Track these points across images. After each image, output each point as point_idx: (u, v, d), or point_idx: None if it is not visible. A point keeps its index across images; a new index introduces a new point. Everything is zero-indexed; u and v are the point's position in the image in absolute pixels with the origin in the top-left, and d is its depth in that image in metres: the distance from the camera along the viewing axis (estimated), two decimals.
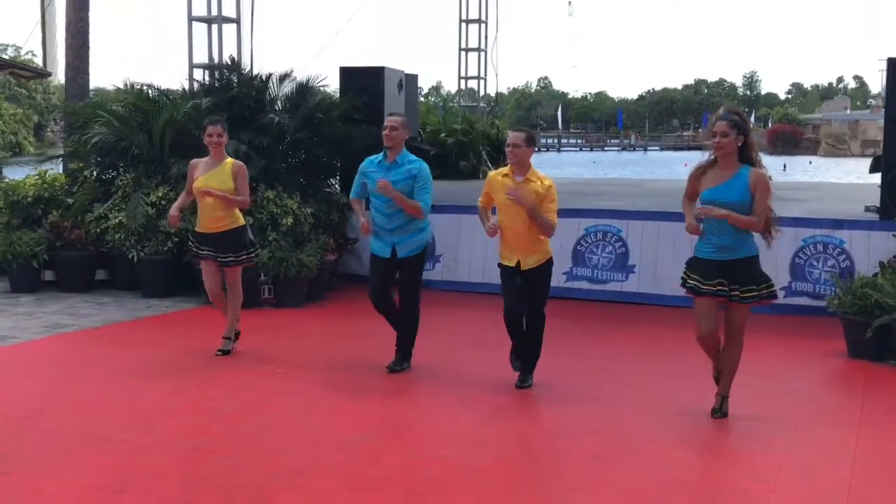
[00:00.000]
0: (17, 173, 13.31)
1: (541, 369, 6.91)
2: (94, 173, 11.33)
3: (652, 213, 10.68)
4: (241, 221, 7.70)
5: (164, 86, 11.60)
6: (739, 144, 5.78)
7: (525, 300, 6.63)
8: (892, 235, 9.13)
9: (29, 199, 11.23)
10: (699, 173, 5.99)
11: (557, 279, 10.47)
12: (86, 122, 11.26)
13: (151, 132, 10.89)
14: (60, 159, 12.24)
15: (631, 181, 19.51)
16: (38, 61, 28.86)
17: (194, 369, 7.31)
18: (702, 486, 5.10)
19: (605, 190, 14.96)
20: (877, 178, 11.97)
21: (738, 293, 5.81)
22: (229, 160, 7.55)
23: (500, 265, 6.73)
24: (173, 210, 7.67)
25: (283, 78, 11.44)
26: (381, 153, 7.11)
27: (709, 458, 5.59)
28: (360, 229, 7.19)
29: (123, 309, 9.83)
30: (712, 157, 5.94)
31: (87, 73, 12.74)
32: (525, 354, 6.81)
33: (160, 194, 10.52)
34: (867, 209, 10.59)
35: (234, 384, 6.93)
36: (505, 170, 6.66)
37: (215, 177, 7.43)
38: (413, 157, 7.13)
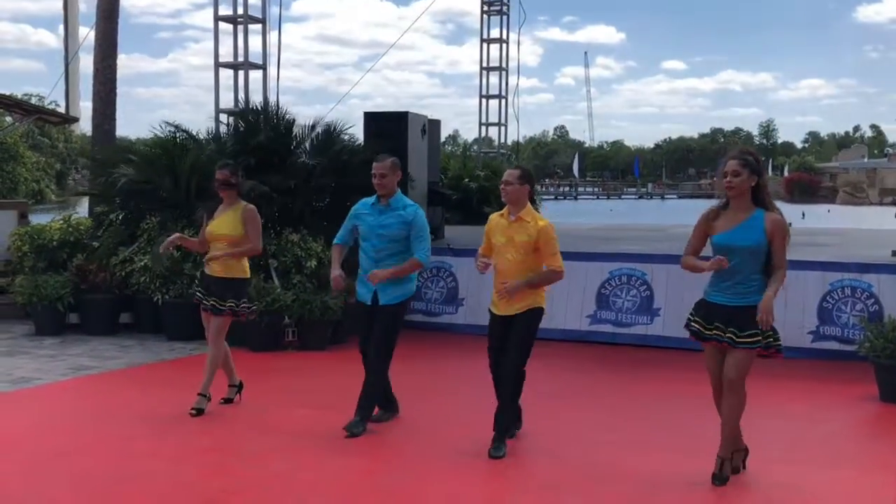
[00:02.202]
0: (40, 219, 13.41)
1: (567, 412, 6.82)
2: (120, 217, 11.39)
3: (676, 256, 10.54)
4: (246, 273, 7.35)
5: (193, 129, 11.72)
6: (752, 185, 5.49)
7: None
8: None
9: (54, 242, 11.31)
10: (711, 216, 5.66)
11: (581, 322, 10.47)
12: (112, 165, 11.34)
13: (177, 175, 10.96)
14: (86, 203, 12.35)
15: (652, 226, 19.43)
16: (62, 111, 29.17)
17: (219, 412, 7.26)
18: None
19: (627, 235, 14.93)
20: None
21: (732, 337, 5.45)
22: (241, 205, 7.25)
23: (489, 311, 6.31)
24: (168, 242, 7.43)
25: (313, 127, 11.52)
26: (375, 195, 6.76)
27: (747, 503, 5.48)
28: (332, 283, 6.75)
29: (147, 352, 9.83)
30: (724, 200, 5.65)
31: (114, 119, 12.89)
32: (497, 414, 6.19)
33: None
34: (895, 254, 10.51)
35: (259, 426, 6.88)
36: (505, 210, 6.26)
37: (225, 221, 7.22)
38: (408, 201, 6.79)
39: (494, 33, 21.33)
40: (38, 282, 10.68)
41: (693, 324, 5.69)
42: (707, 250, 5.72)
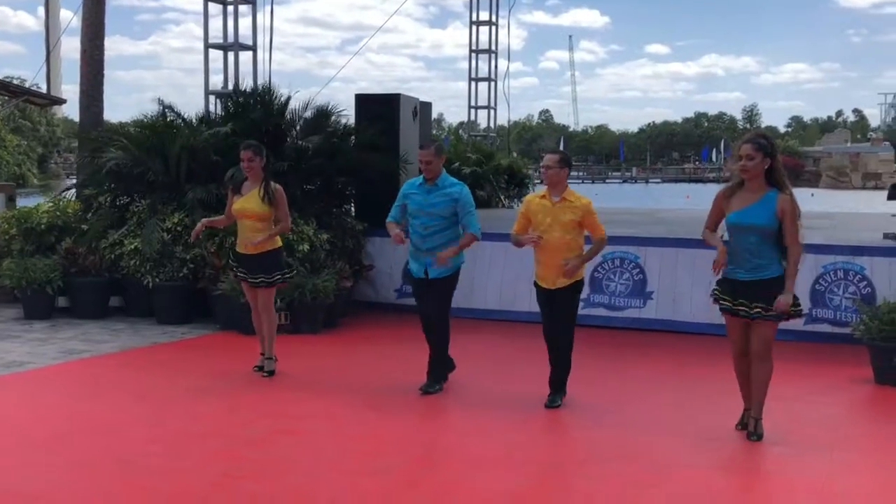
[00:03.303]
0: (23, 203, 13.28)
1: (566, 395, 6.84)
2: (109, 199, 11.28)
3: (669, 239, 10.63)
4: (278, 244, 7.78)
5: (182, 111, 11.60)
6: (766, 167, 5.80)
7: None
8: None
9: (42, 226, 11.19)
10: (727, 194, 6.00)
11: None
12: (101, 148, 11.22)
13: (168, 158, 10.85)
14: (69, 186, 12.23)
15: (641, 210, 19.42)
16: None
17: (215, 394, 7.22)
18: None
19: (617, 219, 14.88)
20: (891, 206, 11.99)
21: (760, 310, 5.84)
22: (270, 184, 7.65)
23: (535, 284, 6.85)
24: (199, 225, 7.88)
25: (305, 109, 11.44)
26: (421, 176, 7.20)
27: (745, 484, 5.48)
28: (393, 239, 7.14)
29: (139, 335, 9.75)
30: (739, 180, 5.94)
31: (101, 101, 12.73)
32: (552, 373, 6.94)
33: (175, 220, 10.48)
34: (886, 236, 10.54)
35: (257, 409, 6.85)
36: (542, 192, 6.78)
37: (251, 200, 7.59)
38: (454, 180, 7.26)
39: (483, 16, 21.24)
40: (26, 265, 10.56)
41: (723, 301, 6.05)
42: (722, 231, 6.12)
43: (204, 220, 8.13)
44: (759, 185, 5.84)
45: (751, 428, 6.07)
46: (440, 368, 7.34)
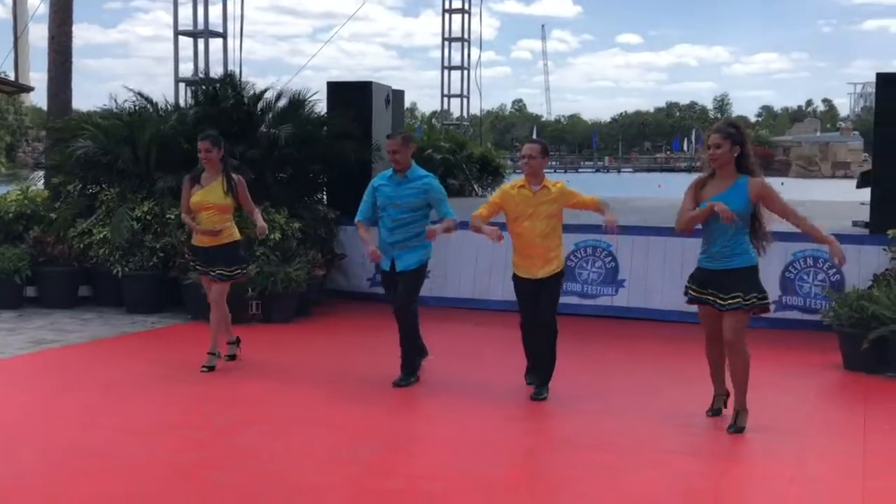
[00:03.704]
0: None
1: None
2: (78, 188, 11.15)
3: (641, 228, 10.66)
4: (236, 236, 7.64)
5: (151, 98, 11.48)
6: (735, 155, 5.81)
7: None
8: (883, 249, 9.16)
9: (10, 214, 11.04)
10: (700, 184, 6.00)
11: None
12: (70, 136, 11.09)
13: (136, 146, 10.74)
14: (41, 176, 12.08)
15: (614, 199, 19.45)
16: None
17: (185, 384, 7.16)
18: (716, 497, 5.03)
19: None
20: (860, 195, 12.08)
21: (719, 300, 5.84)
22: (231, 175, 7.52)
23: (514, 277, 6.77)
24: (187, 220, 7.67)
25: (277, 97, 11.35)
26: (392, 168, 7.11)
27: (720, 470, 5.51)
28: (370, 257, 7.18)
29: (108, 325, 9.66)
30: (711, 170, 5.94)
31: (69, 88, 12.57)
32: (539, 367, 6.82)
33: (145, 209, 10.39)
34: (855, 224, 10.63)
35: (227, 399, 6.81)
36: (519, 181, 6.73)
37: (213, 192, 7.42)
38: (424, 171, 7.17)
39: (456, 3, 21.17)
40: None
41: (690, 291, 6.07)
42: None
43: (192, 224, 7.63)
44: (729, 173, 5.85)
45: (732, 420, 6.00)
46: (412, 361, 7.25)
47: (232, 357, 7.79)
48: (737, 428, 5.95)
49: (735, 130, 5.87)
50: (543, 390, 6.78)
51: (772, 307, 9.42)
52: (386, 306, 7.29)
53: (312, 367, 7.88)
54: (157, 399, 6.74)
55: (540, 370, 6.83)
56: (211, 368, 7.56)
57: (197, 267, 7.73)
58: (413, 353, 7.23)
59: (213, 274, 7.56)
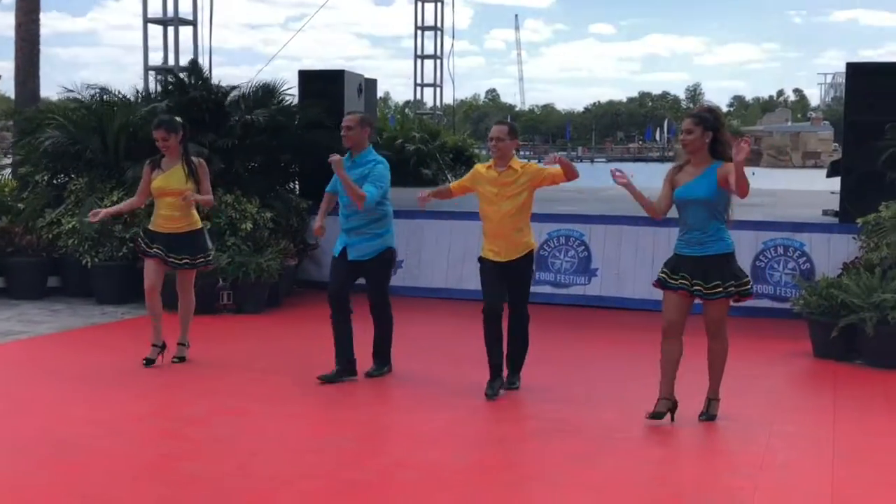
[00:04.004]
0: None
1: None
2: (46, 178, 11.03)
3: (614, 217, 10.70)
4: (199, 224, 7.51)
5: (118, 89, 11.36)
6: (708, 141, 5.73)
7: (505, 296, 6.56)
8: (852, 238, 9.23)
9: None
10: (675, 172, 5.97)
11: None
12: (38, 126, 10.96)
13: (106, 136, 10.63)
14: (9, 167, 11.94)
15: (587, 188, 19.50)
16: None
17: (156, 375, 7.11)
18: (685, 484, 5.06)
19: (563, 196, 14.91)
20: (830, 184, 12.19)
21: (700, 289, 5.76)
22: (193, 159, 7.40)
23: (480, 259, 6.64)
24: (103, 213, 7.52)
25: (249, 85, 11.28)
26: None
27: (689, 457, 5.55)
28: (314, 231, 7.12)
29: (77, 316, 9.57)
30: (687, 157, 5.91)
31: (37, 77, 12.43)
32: (512, 353, 6.71)
33: (114, 199, 10.26)
34: (825, 213, 10.72)
35: (198, 389, 6.77)
36: (490, 163, 6.67)
37: (173, 177, 7.26)
38: (377, 156, 6.93)
39: None
40: None
41: (661, 274, 5.97)
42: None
43: (109, 209, 7.81)
44: (702, 159, 5.78)
45: (704, 409, 5.99)
46: (385, 351, 7.18)
47: (151, 361, 7.36)
48: (708, 416, 5.96)
49: (710, 115, 5.79)
50: (515, 378, 6.74)
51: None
52: (358, 297, 7.23)
53: (284, 357, 7.84)
54: (128, 390, 6.68)
55: (513, 357, 6.72)
56: (182, 359, 7.47)
57: (150, 250, 7.31)
58: (386, 343, 7.16)
59: (175, 262, 7.34)
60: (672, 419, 5.93)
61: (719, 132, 5.77)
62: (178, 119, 7.47)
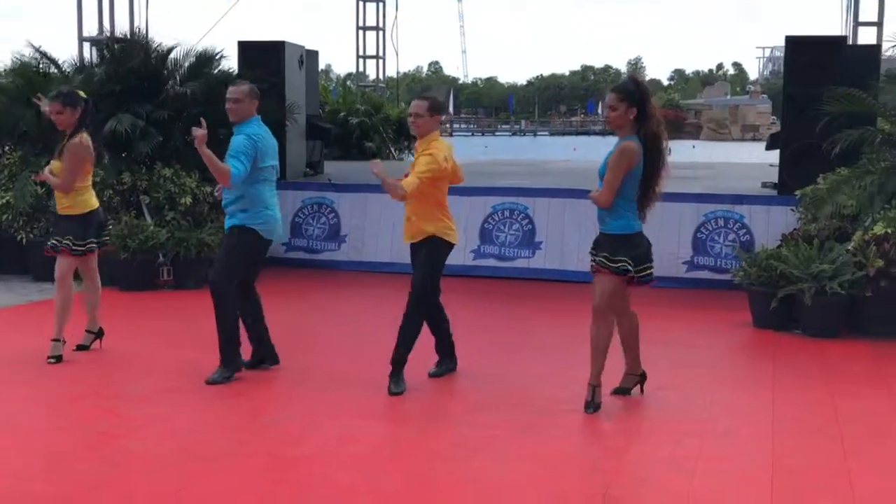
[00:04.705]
0: None
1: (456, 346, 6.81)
2: None
3: (557, 190, 10.72)
4: (76, 210, 6.78)
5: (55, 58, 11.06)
6: (632, 117, 5.40)
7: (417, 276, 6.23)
8: (791, 209, 9.37)
9: None
10: None
11: (465, 257, 10.47)
12: None
13: (40, 107, 10.32)
14: None
15: (531, 162, 19.58)
16: None
17: (95, 352, 6.97)
18: (628, 454, 5.10)
19: (508, 170, 14.97)
20: (769, 156, 12.37)
21: (603, 260, 5.55)
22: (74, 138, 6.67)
23: None
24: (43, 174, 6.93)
25: (186, 56, 11.02)
26: None
27: (632, 428, 5.59)
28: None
29: (13, 293, 9.35)
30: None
31: None
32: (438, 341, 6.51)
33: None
34: (764, 185, 10.87)
35: (139, 366, 6.66)
36: None
37: (58, 156, 6.77)
38: (253, 128, 6.21)
39: None
40: None
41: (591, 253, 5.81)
42: None
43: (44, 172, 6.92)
44: (625, 135, 5.45)
45: (588, 397, 5.62)
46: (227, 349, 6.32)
47: (84, 347, 6.95)
48: (595, 406, 5.59)
49: (634, 88, 5.43)
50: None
51: (683, 267, 9.74)
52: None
53: None
54: (68, 368, 6.55)
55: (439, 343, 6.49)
56: (58, 359, 6.65)
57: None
58: (222, 344, 6.30)
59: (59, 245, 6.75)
60: (642, 391, 5.97)
61: (646, 106, 5.42)
62: (82, 94, 6.90)
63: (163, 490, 4.38)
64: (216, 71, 11.05)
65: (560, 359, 6.94)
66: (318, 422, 5.55)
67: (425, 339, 6.46)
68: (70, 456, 4.83)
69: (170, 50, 10.89)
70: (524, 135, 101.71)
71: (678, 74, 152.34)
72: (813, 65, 9.60)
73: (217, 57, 11.07)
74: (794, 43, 9.94)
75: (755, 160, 18.22)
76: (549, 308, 8.90)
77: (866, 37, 13.90)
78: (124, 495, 4.34)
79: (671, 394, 6.02)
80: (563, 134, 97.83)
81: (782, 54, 10.39)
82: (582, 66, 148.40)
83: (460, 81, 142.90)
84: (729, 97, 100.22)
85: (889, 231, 7.60)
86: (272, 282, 10.10)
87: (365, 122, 16.88)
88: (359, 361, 6.79)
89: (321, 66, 15.39)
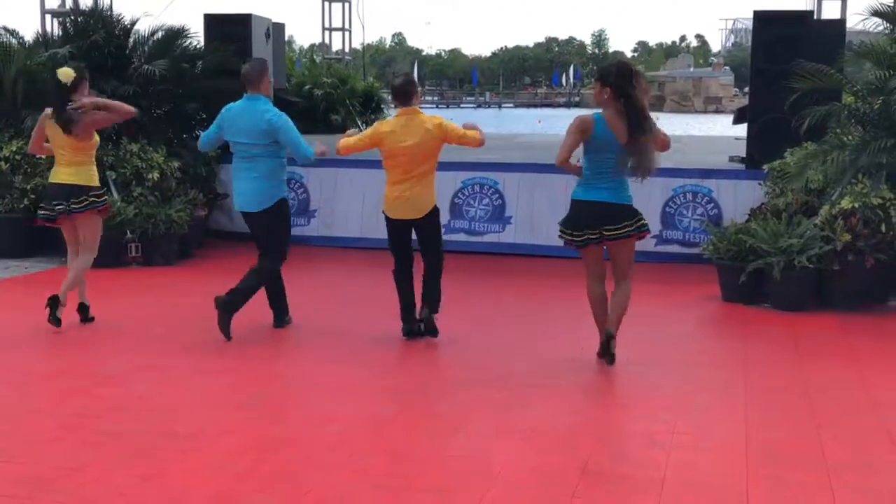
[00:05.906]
0: None
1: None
2: None
3: (527, 164, 10.73)
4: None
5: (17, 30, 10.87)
6: (607, 96, 5.91)
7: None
8: (759, 184, 9.46)
9: None
10: None
11: None
12: None
13: (2, 82, 10.17)
14: None
15: (499, 136, 19.53)
16: None
17: (67, 332, 6.88)
18: (606, 429, 5.15)
19: None
20: (734, 130, 12.46)
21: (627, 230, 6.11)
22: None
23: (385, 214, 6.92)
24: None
25: (152, 32, 10.87)
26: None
27: (607, 403, 5.66)
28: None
29: None
30: None
31: None
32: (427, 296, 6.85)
33: (13, 148, 9.91)
34: (731, 159, 10.96)
35: (113, 345, 6.61)
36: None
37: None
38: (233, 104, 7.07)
39: None
40: None
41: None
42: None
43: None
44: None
45: (602, 347, 6.13)
46: (279, 302, 7.07)
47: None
48: (611, 355, 6.04)
49: (611, 71, 5.95)
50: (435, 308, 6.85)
51: (651, 242, 9.80)
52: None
53: (198, 311, 7.63)
54: (39, 347, 6.50)
55: (429, 298, 6.83)
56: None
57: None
58: (247, 292, 6.88)
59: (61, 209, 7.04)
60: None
61: (623, 86, 5.83)
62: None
63: (144, 472, 4.36)
64: (184, 46, 10.93)
65: (533, 334, 6.98)
66: (299, 400, 5.56)
67: (393, 309, 6.52)
68: (50, 438, 4.79)
69: (133, 23, 10.74)
70: (489, 107, 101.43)
71: (642, 46, 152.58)
72: (781, 39, 9.66)
73: (184, 34, 10.93)
74: (761, 18, 9.99)
75: (719, 133, 18.35)
76: (520, 282, 8.95)
77: (830, 11, 14.01)
78: (105, 477, 4.31)
79: (643, 369, 6.08)
80: (528, 106, 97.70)
81: (745, 26, 10.53)
82: (546, 38, 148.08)
83: (424, 53, 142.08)
84: (692, 69, 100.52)
85: (856, 205, 7.71)
86: (242, 257, 10.06)
87: (331, 95, 16.74)
88: (339, 339, 6.79)
89: (286, 37, 15.19)
